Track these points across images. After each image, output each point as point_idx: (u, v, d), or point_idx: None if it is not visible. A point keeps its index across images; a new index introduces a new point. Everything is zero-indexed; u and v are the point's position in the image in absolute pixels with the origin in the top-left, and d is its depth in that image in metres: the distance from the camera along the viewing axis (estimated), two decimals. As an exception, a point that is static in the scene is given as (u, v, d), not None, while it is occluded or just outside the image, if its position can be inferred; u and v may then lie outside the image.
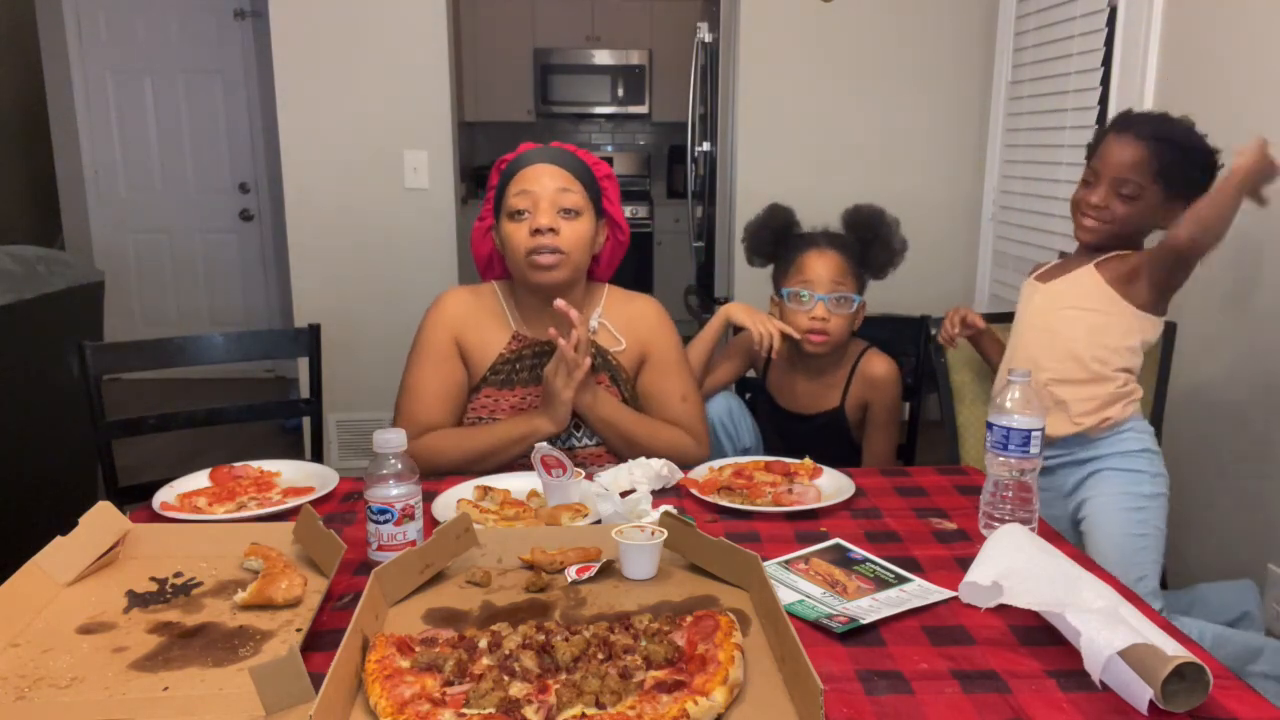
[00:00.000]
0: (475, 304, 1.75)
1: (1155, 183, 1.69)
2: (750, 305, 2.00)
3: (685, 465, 1.59)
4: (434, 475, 1.55)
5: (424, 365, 1.69)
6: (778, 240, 2.01)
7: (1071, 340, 1.76)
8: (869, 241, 1.96)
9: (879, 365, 1.96)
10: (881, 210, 1.98)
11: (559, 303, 1.57)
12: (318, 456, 2.09)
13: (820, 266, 1.92)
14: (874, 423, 1.98)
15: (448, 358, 1.70)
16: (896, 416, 2.01)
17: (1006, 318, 1.99)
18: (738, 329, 1.99)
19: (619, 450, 1.68)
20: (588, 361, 1.58)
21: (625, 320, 1.76)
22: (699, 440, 1.73)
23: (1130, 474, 1.76)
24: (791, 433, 2.01)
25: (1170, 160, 1.68)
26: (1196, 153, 1.70)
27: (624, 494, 1.39)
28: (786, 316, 1.95)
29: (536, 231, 1.62)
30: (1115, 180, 1.71)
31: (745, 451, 1.99)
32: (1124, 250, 1.75)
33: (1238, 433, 2.07)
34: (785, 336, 1.92)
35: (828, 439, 1.95)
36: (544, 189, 1.64)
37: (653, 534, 1.18)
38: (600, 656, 0.95)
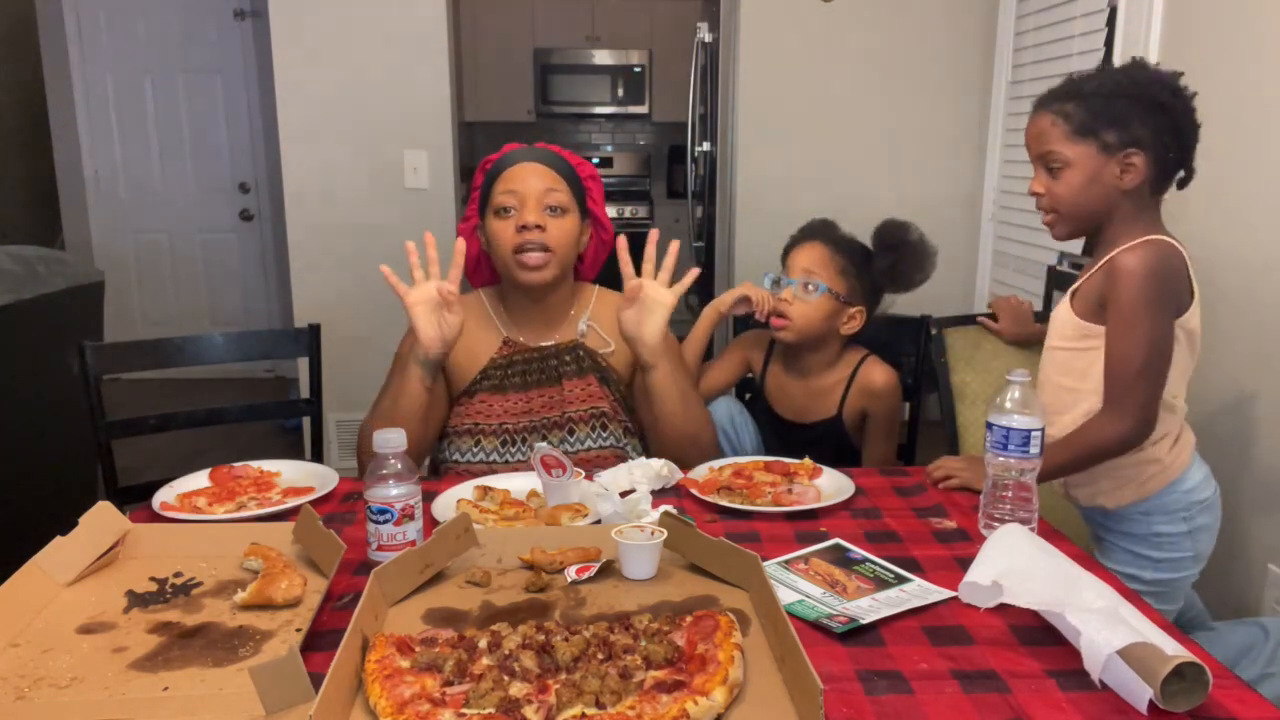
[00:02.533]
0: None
1: (1078, 142, 1.44)
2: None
3: (697, 453, 1.61)
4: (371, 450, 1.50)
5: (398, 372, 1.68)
6: (792, 243, 2.01)
7: (1056, 386, 1.54)
8: (877, 250, 1.95)
9: (878, 375, 1.95)
10: (907, 224, 1.96)
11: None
12: (318, 456, 2.09)
13: (800, 254, 1.94)
14: (873, 431, 1.97)
15: None
16: (896, 424, 2.01)
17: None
18: (742, 321, 1.99)
19: (671, 407, 1.62)
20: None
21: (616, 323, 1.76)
22: (713, 431, 1.74)
23: (1133, 555, 1.55)
24: (790, 440, 2.00)
25: (1080, 111, 1.43)
26: (1110, 92, 1.43)
27: (624, 494, 1.39)
28: None
29: (523, 228, 1.63)
30: (1038, 158, 1.50)
31: (745, 456, 1.99)
32: (1101, 231, 1.52)
33: (1238, 433, 2.07)
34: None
35: (826, 447, 1.94)
36: (530, 188, 1.65)
37: (653, 534, 1.18)
38: (600, 656, 0.95)
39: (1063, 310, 1.55)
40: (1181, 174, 1.49)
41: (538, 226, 1.63)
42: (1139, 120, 1.42)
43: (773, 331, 1.95)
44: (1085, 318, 1.50)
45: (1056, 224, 1.53)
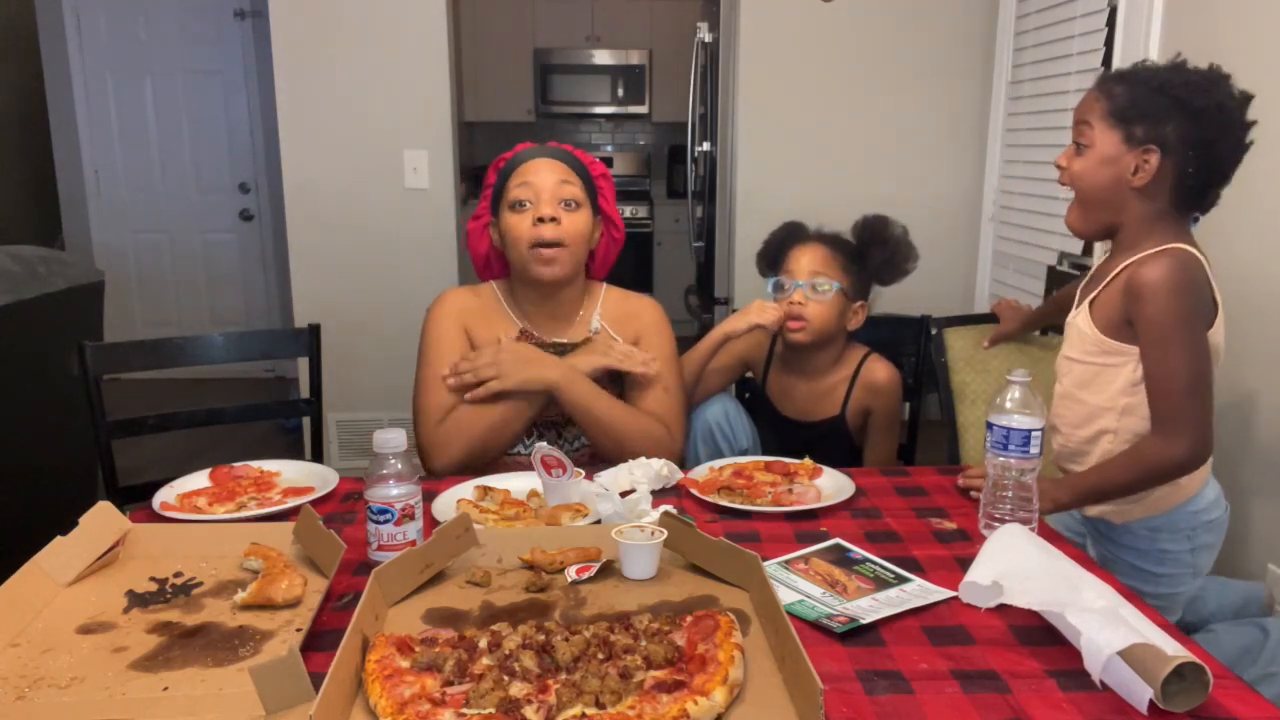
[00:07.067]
0: (477, 301, 1.77)
1: (1109, 126, 1.40)
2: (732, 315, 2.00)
3: (659, 454, 1.59)
4: (455, 464, 1.61)
5: (437, 358, 1.69)
6: (782, 247, 2.02)
7: (1075, 399, 1.50)
8: (868, 244, 1.96)
9: (881, 372, 1.96)
10: (887, 217, 1.97)
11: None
12: (318, 456, 2.09)
13: (802, 257, 1.94)
14: (875, 429, 1.97)
15: (458, 347, 1.70)
16: (898, 422, 2.01)
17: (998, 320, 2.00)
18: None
19: (592, 432, 1.66)
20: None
21: (622, 317, 1.78)
22: (672, 430, 1.71)
23: (1133, 568, 1.54)
24: (793, 439, 2.00)
25: (1123, 95, 1.38)
26: (1160, 85, 1.37)
27: (624, 494, 1.39)
28: None
29: (539, 221, 1.64)
30: (1074, 127, 1.45)
31: (743, 454, 1.98)
32: (1117, 233, 1.47)
33: (1239, 434, 2.07)
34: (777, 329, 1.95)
35: (829, 445, 1.94)
36: (545, 180, 1.68)
37: (653, 534, 1.18)
38: (600, 656, 0.95)
39: (1082, 321, 1.49)
40: (1204, 197, 1.43)
41: (553, 219, 1.64)
42: (1173, 123, 1.36)
43: (786, 335, 1.93)
44: (1107, 332, 1.45)
45: (1073, 208, 1.49)
